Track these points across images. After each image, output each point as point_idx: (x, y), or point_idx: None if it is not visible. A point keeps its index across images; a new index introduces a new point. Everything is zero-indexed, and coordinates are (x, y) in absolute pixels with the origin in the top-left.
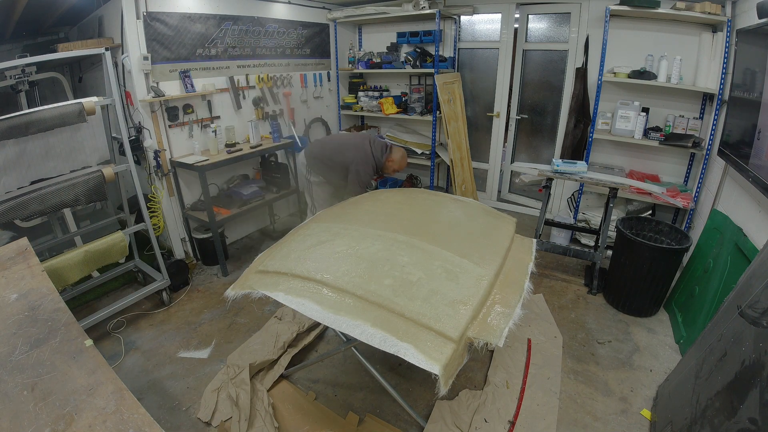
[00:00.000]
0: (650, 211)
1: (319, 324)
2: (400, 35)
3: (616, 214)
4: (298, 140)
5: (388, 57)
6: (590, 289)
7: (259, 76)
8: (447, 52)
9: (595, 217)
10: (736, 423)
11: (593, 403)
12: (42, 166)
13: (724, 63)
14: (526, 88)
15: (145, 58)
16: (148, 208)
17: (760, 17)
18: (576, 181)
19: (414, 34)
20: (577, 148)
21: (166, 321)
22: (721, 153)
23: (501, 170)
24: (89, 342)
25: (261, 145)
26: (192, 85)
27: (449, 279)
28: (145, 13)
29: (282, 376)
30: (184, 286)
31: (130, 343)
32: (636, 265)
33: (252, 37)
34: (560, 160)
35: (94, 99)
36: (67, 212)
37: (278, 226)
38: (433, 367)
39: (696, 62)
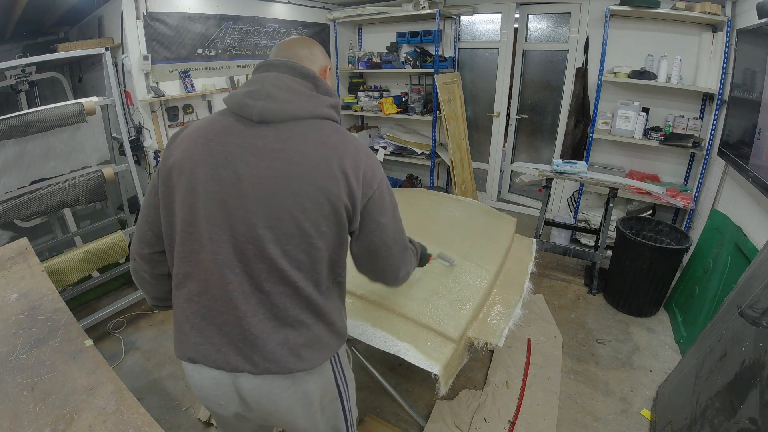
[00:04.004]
0: (650, 211)
1: None
2: (400, 35)
3: (616, 214)
4: None
5: (388, 57)
6: (590, 289)
7: None
8: (447, 52)
9: (595, 217)
10: (736, 423)
11: (593, 403)
12: (42, 166)
13: (724, 63)
14: (526, 88)
15: (145, 58)
16: None
17: (760, 17)
18: (576, 181)
19: (414, 34)
20: (577, 148)
21: (166, 321)
22: (721, 153)
23: (501, 170)
24: (89, 342)
25: None
26: (192, 85)
27: (449, 279)
28: (145, 13)
29: None
30: None
31: (130, 343)
32: (636, 265)
33: (252, 37)
34: (560, 160)
35: (94, 99)
36: (67, 212)
37: None
38: (433, 367)
39: (696, 62)
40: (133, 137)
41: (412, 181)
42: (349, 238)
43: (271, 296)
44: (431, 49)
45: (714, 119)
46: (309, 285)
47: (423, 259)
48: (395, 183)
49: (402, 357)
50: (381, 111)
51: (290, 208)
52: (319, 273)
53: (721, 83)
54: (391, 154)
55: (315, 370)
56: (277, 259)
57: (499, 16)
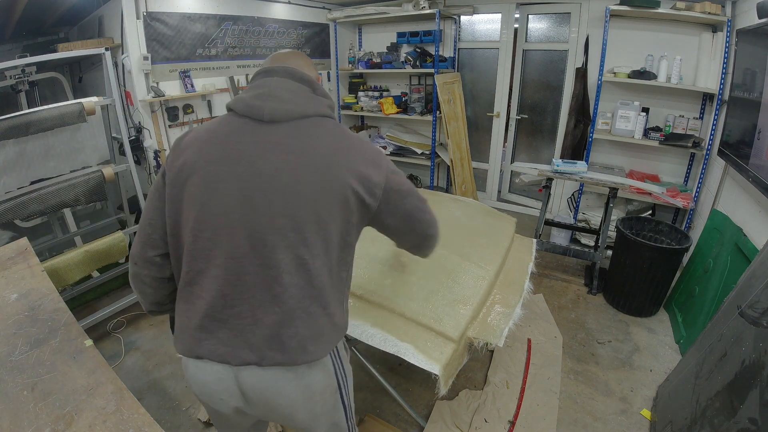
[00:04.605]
0: (650, 211)
1: None
2: (400, 35)
3: (616, 214)
4: None
5: (388, 57)
6: (590, 289)
7: None
8: (447, 52)
9: (595, 217)
10: (736, 423)
11: (593, 403)
12: (42, 166)
13: (724, 63)
14: (526, 88)
15: (145, 58)
16: None
17: (760, 17)
18: (576, 181)
19: (414, 34)
20: (577, 148)
21: (166, 321)
22: (721, 153)
23: (501, 170)
24: (89, 342)
25: None
26: (192, 85)
27: (449, 279)
28: (145, 13)
29: None
30: None
31: (130, 343)
32: (636, 265)
33: (252, 37)
34: (560, 160)
35: (94, 99)
36: (67, 212)
37: None
38: (433, 367)
39: (696, 62)
40: (133, 137)
41: (412, 181)
42: (360, 224)
43: (288, 288)
44: (431, 49)
45: (714, 119)
46: (323, 273)
47: None
48: None
49: (402, 357)
50: (381, 111)
51: (308, 195)
52: (331, 260)
53: (721, 83)
54: (391, 154)
55: (317, 363)
56: (297, 246)
57: (499, 16)
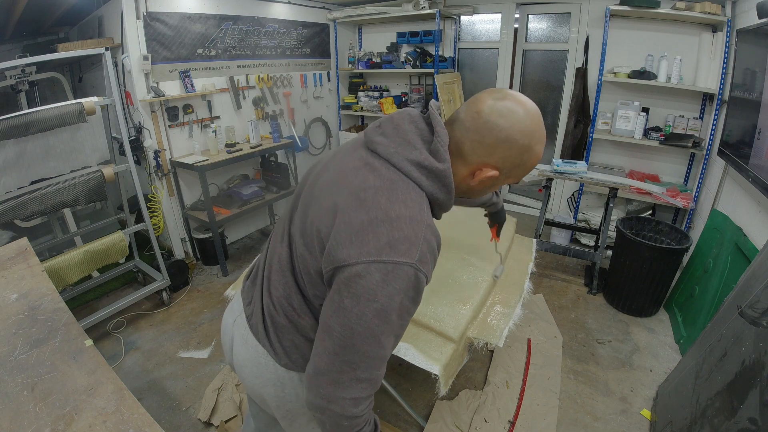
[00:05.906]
0: (650, 211)
1: None
2: (400, 35)
3: (616, 214)
4: (297, 140)
5: (388, 57)
6: (590, 289)
7: (259, 76)
8: (447, 52)
9: (595, 217)
10: (736, 423)
11: (593, 403)
12: (42, 166)
13: (724, 63)
14: (526, 88)
15: (145, 58)
16: (148, 208)
17: (760, 17)
18: (576, 181)
19: (414, 34)
20: (577, 148)
21: (166, 321)
22: (721, 153)
23: None
24: (89, 342)
25: (261, 145)
26: (192, 85)
27: (449, 279)
28: (145, 13)
29: None
30: (184, 286)
31: (130, 343)
32: (636, 265)
33: (252, 37)
34: (560, 160)
35: (94, 99)
36: (67, 212)
37: None
38: (433, 367)
39: (696, 62)
40: (133, 137)
41: None
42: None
43: (291, 288)
44: (431, 49)
45: (714, 119)
46: (300, 300)
47: None
48: None
49: (402, 357)
50: (381, 111)
51: (311, 225)
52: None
53: (721, 83)
54: None
55: (299, 374)
56: (294, 260)
57: (499, 16)
